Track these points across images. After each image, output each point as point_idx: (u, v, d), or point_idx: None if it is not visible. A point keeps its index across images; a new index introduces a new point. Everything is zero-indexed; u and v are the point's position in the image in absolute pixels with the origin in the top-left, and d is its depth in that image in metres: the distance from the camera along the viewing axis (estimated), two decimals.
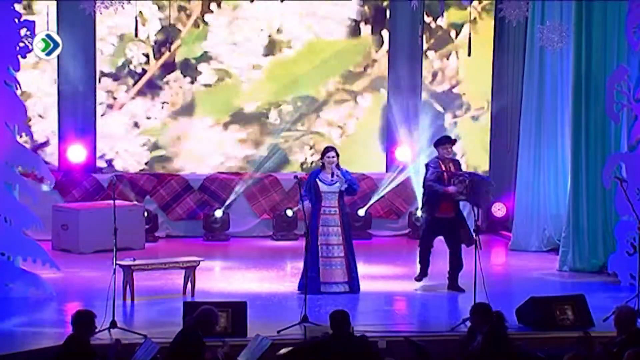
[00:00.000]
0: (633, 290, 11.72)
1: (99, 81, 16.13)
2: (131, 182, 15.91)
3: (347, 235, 12.30)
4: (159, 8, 16.12)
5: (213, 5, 16.39)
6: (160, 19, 16.15)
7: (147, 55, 16.26)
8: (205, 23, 16.36)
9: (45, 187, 14.55)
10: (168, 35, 15.43)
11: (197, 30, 16.32)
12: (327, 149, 12.36)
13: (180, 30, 16.27)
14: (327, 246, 12.19)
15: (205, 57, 16.44)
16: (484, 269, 11.11)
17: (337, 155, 12.29)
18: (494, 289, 11.26)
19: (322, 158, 12.31)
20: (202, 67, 16.45)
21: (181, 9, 16.29)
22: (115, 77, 16.20)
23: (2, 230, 11.78)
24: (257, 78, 16.59)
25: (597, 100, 13.65)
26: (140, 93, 16.29)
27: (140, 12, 15.32)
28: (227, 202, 16.25)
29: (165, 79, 16.33)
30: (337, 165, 12.27)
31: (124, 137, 16.30)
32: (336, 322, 9.15)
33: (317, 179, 12.25)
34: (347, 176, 12.24)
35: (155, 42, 16.20)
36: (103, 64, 16.14)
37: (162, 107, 16.36)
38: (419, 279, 12.68)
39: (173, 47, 15.97)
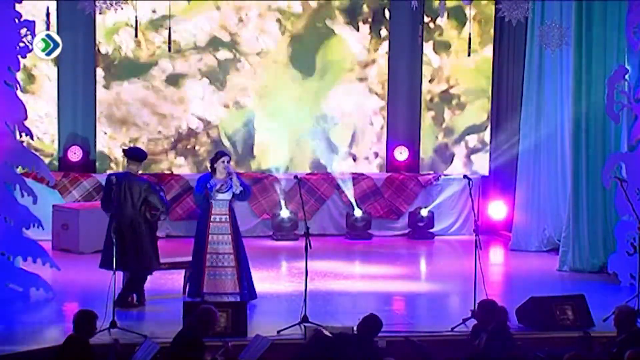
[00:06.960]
0: (633, 290, 11.72)
1: None
2: None
3: (238, 243, 11.61)
4: None
5: None
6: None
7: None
8: None
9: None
10: None
11: None
12: (221, 154, 11.68)
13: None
14: (217, 255, 11.51)
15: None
16: (484, 269, 11.11)
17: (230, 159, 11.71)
18: (494, 289, 11.26)
19: (213, 163, 11.60)
20: None
21: None
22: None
23: (2, 230, 11.78)
24: None
25: (597, 100, 13.65)
26: None
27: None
28: None
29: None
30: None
31: None
32: (367, 326, 9.27)
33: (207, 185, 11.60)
34: (240, 179, 11.66)
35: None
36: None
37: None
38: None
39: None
